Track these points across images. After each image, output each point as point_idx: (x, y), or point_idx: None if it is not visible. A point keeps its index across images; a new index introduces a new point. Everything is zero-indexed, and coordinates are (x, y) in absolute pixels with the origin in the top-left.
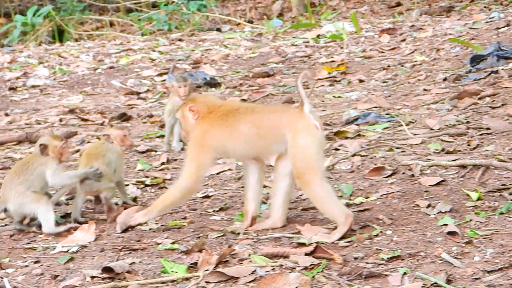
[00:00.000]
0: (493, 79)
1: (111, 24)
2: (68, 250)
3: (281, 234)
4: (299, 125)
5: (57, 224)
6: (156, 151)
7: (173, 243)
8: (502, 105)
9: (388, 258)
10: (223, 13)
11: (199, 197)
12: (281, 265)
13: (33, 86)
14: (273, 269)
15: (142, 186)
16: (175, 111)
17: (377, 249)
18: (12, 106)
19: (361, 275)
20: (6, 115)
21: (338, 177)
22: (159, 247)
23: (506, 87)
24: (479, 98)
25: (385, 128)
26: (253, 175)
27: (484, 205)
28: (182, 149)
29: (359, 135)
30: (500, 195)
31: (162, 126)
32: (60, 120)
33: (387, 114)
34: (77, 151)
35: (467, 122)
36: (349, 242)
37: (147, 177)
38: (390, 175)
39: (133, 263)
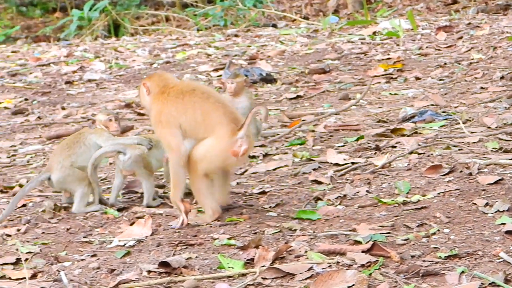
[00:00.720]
0: None
1: (167, 19)
2: (124, 244)
3: (338, 232)
4: (220, 133)
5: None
6: None
7: (229, 238)
8: None
9: (445, 256)
10: (279, 9)
11: (255, 193)
12: (338, 262)
13: (89, 80)
14: (329, 266)
15: None
16: None
17: (434, 247)
18: (69, 99)
19: (418, 273)
20: (63, 108)
21: (395, 175)
22: (215, 242)
23: None
24: None
25: (442, 126)
26: None
27: None
28: None
29: (416, 132)
30: None
31: None
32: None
33: (443, 112)
34: None
35: None
36: (406, 240)
37: None
38: (447, 173)
39: (190, 258)
